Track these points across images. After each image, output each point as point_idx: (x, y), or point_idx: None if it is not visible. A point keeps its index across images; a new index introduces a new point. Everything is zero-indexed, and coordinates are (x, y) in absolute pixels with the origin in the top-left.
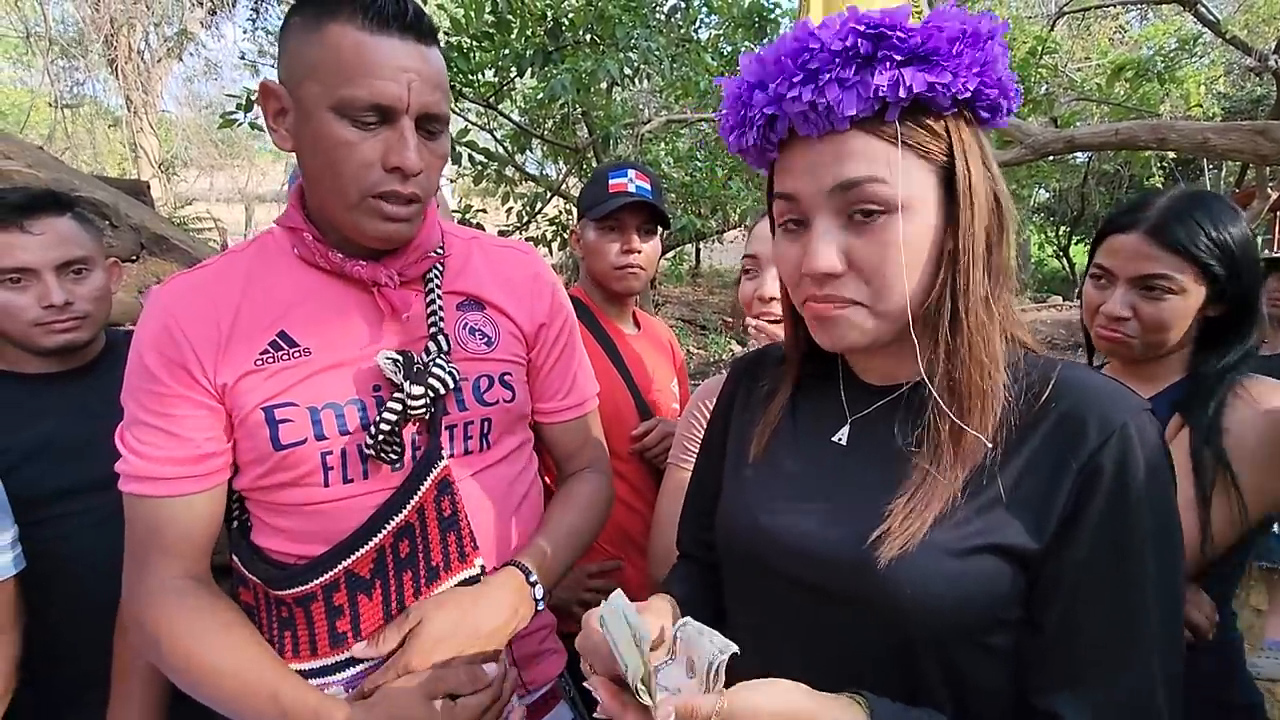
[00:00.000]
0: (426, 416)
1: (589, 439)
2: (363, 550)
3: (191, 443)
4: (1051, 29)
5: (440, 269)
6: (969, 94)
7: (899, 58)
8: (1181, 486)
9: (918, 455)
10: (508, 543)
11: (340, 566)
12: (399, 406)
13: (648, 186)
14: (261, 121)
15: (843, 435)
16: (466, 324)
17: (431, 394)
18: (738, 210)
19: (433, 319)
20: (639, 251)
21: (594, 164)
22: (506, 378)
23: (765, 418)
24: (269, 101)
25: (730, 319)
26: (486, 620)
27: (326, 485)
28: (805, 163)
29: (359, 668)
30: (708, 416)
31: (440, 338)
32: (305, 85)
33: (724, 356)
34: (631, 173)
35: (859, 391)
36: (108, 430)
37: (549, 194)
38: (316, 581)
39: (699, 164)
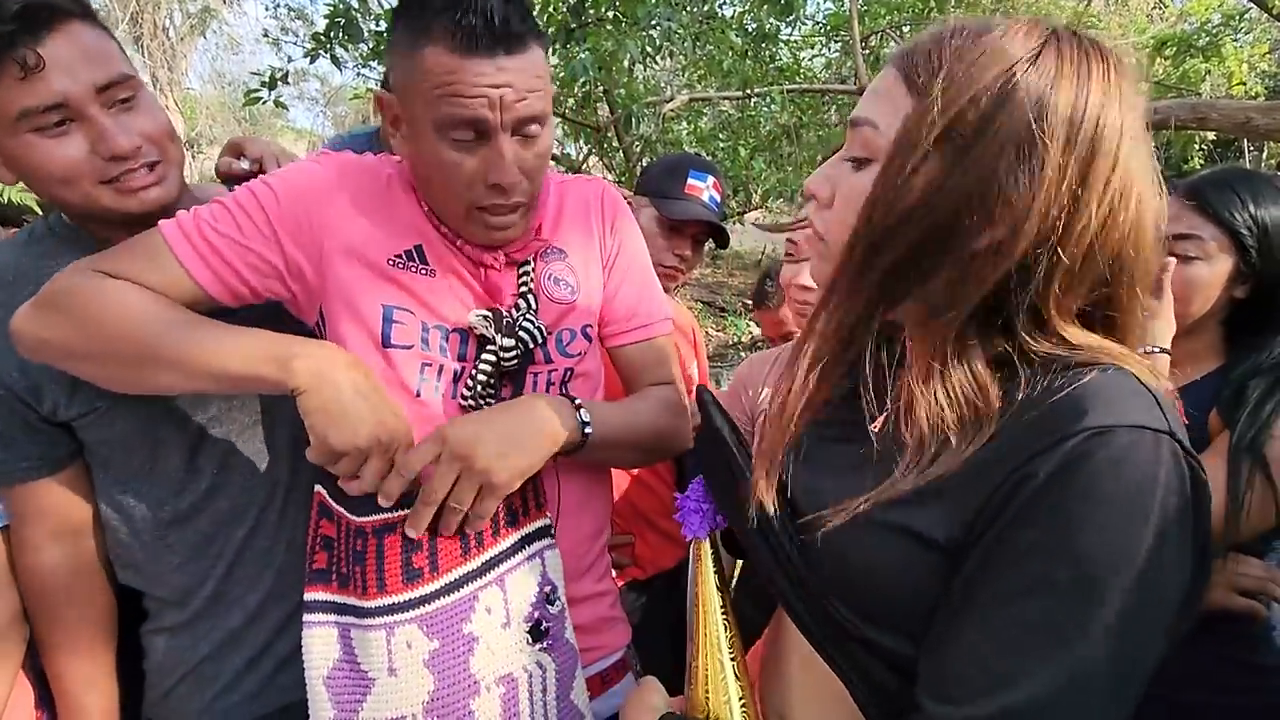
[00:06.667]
0: (516, 369)
1: (650, 364)
2: None
3: (241, 246)
4: (1089, 3)
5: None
6: None
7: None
8: (1214, 477)
9: (867, 438)
10: (577, 496)
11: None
12: (493, 358)
13: (719, 199)
14: (285, 99)
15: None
16: (551, 274)
17: (522, 347)
18: (759, 190)
19: (524, 279)
20: (687, 258)
21: (615, 143)
22: (588, 329)
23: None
24: (385, 111)
25: (750, 301)
26: (518, 423)
27: (418, 395)
28: None
29: (433, 605)
30: (746, 393)
31: (530, 296)
32: (411, 101)
33: (743, 339)
34: (711, 180)
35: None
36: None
37: (570, 173)
38: (400, 511)
39: (721, 143)
